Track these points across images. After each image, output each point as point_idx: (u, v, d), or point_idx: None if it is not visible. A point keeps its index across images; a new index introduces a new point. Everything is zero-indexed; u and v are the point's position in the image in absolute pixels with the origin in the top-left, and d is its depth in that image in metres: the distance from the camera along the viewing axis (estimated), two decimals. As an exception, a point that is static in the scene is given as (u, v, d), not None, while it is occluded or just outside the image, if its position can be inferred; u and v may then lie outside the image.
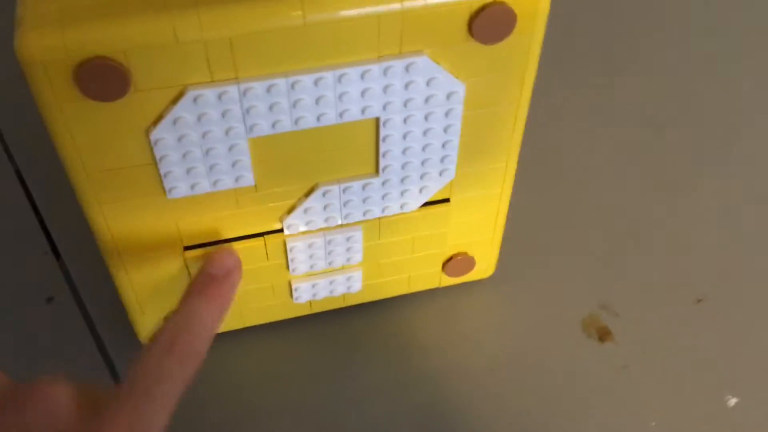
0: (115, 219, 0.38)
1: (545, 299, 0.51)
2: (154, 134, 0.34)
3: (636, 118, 0.62)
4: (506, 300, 0.51)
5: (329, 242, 0.42)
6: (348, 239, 0.43)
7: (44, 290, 0.51)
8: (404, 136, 0.38)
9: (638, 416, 0.46)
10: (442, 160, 0.40)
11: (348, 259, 0.44)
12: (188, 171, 0.36)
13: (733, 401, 0.46)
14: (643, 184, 0.58)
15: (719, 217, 0.56)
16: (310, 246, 0.42)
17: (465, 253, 0.48)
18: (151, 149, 0.35)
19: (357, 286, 0.46)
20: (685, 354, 0.48)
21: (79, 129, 0.33)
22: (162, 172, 0.36)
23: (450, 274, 0.49)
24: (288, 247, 0.42)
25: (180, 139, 0.35)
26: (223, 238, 0.41)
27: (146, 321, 0.45)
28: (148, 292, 0.43)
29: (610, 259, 0.53)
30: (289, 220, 0.41)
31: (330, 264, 0.44)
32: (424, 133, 0.38)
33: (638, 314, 0.50)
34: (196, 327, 0.33)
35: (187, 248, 0.41)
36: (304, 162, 0.38)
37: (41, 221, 0.54)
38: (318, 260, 0.43)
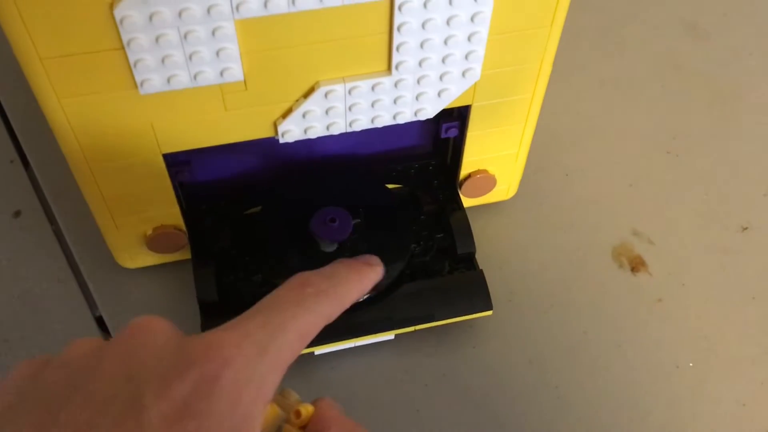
0: (78, 117, 0.32)
1: (572, 225, 0.46)
2: (119, 9, 0.28)
3: (675, 25, 0.56)
4: (528, 225, 0.46)
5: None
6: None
7: (11, 203, 0.45)
8: (423, 25, 0.32)
9: (673, 356, 0.41)
10: (467, 56, 0.34)
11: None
12: (163, 60, 0.30)
13: (779, 341, 0.41)
14: (683, 98, 0.52)
15: (768, 137, 0.50)
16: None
17: (485, 171, 0.43)
18: (117, 30, 0.29)
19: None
20: (727, 288, 0.43)
21: (28, 1, 0.27)
22: (131, 59, 0.30)
23: (467, 195, 0.44)
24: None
25: (151, 17, 0.28)
26: (207, 144, 0.35)
27: (121, 238, 0.39)
28: (122, 206, 0.37)
29: (645, 181, 0.48)
30: (285, 125, 0.35)
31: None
32: (447, 22, 0.32)
33: (675, 243, 0.45)
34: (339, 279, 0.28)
35: (166, 156, 0.35)
36: (302, 55, 0.32)
37: (7, 125, 0.48)
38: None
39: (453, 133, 0.40)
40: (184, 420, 0.21)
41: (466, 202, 0.44)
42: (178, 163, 0.38)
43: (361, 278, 0.30)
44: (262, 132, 0.35)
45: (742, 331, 0.42)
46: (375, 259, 0.31)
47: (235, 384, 0.22)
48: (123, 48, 0.29)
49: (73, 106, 0.31)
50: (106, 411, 0.21)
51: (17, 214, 0.45)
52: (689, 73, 0.53)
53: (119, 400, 0.22)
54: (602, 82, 0.53)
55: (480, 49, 0.34)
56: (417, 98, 0.35)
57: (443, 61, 0.34)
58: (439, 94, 0.36)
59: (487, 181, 0.43)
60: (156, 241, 0.40)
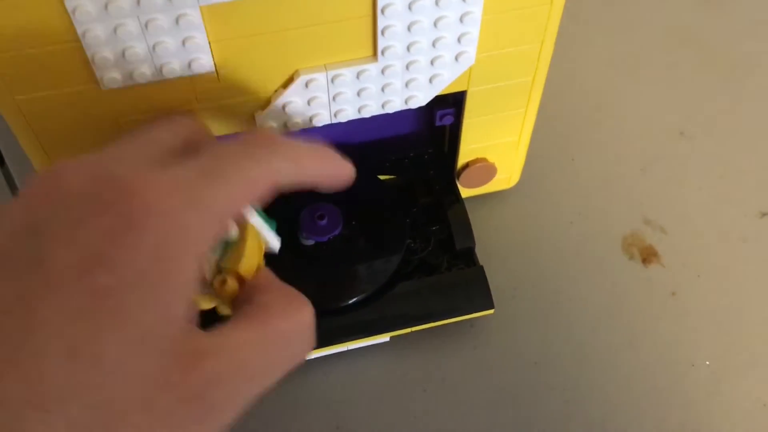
0: (37, 117, 0.29)
1: (579, 214, 0.43)
2: (69, -1, 0.25)
3: (690, -5, 0.52)
4: (532, 215, 0.43)
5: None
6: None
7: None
8: (410, 6, 0.29)
9: (689, 354, 0.38)
10: (460, 39, 0.31)
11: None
12: (123, 53, 0.27)
13: (802, 336, 0.39)
14: (697, 76, 0.49)
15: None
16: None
17: (485, 160, 0.40)
18: (71, 21, 0.26)
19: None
20: (746, 279, 0.41)
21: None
22: (88, 53, 0.27)
23: (466, 185, 0.41)
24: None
25: (106, 6, 0.26)
26: (181, 141, 0.32)
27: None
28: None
29: (656, 165, 0.45)
30: (264, 118, 0.32)
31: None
32: (437, 2, 0.29)
33: (690, 231, 0.42)
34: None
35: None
36: (278, 42, 0.29)
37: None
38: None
39: (448, 120, 0.37)
40: (95, 271, 0.18)
41: (465, 192, 0.41)
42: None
43: (324, 156, 0.26)
44: (239, 126, 0.33)
45: (763, 325, 0.39)
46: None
47: (159, 232, 0.19)
48: (79, 40, 0.27)
49: (30, 105, 0.29)
50: (6, 267, 0.19)
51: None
52: (702, 48, 0.50)
53: (22, 254, 0.19)
54: (608, 61, 0.49)
55: (474, 31, 0.31)
56: (407, 85, 0.33)
57: (433, 44, 0.31)
58: (430, 81, 0.33)
59: (487, 170, 0.40)
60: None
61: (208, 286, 0.25)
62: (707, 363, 0.38)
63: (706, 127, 0.46)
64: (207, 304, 0.25)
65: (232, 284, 0.24)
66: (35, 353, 0.18)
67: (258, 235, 0.26)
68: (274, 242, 0.27)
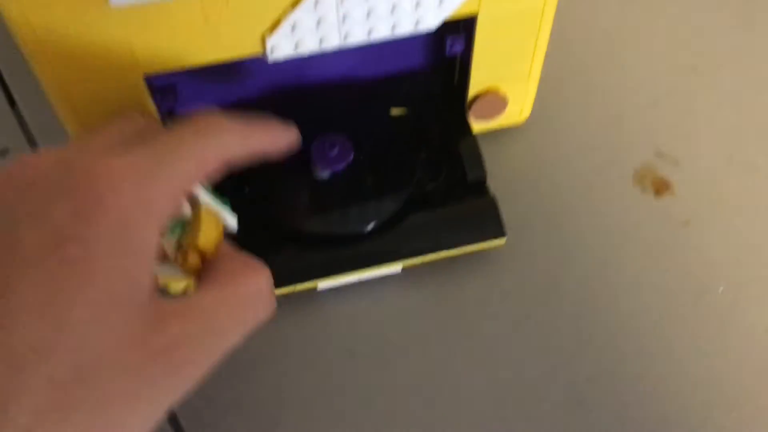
0: (45, 33, 0.29)
1: (589, 147, 0.43)
2: None
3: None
4: (543, 149, 0.43)
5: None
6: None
7: (-2, 142, 0.43)
8: None
9: (703, 281, 0.38)
10: (469, -45, 0.31)
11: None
12: (132, -35, 0.27)
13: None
14: (710, 7, 0.48)
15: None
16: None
17: (495, 91, 0.40)
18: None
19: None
20: (760, 207, 0.40)
21: None
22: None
23: (476, 117, 0.41)
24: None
25: None
26: (191, 63, 0.32)
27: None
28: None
29: (669, 100, 0.44)
30: (274, 39, 0.32)
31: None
32: None
33: (702, 162, 0.42)
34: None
35: (148, 77, 0.33)
36: (287, -43, 0.29)
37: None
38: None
39: (458, 48, 0.37)
40: (66, 245, 0.20)
41: (476, 126, 0.41)
42: (162, 88, 0.35)
43: (266, 127, 0.28)
44: (249, 48, 0.32)
45: (776, 253, 0.39)
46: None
47: (120, 208, 0.21)
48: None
49: (37, 15, 0.29)
50: None
51: (4, 152, 0.43)
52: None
53: None
54: (621, -3, 0.49)
55: (484, -56, 0.31)
56: (416, 6, 0.32)
57: (443, -41, 0.31)
58: (440, 1, 0.33)
59: (498, 102, 0.40)
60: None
61: (173, 266, 0.26)
62: (720, 290, 0.38)
63: (719, 63, 0.46)
64: (177, 285, 0.26)
65: (193, 257, 0.26)
66: (8, 315, 0.19)
67: (212, 211, 0.28)
68: (230, 220, 0.29)
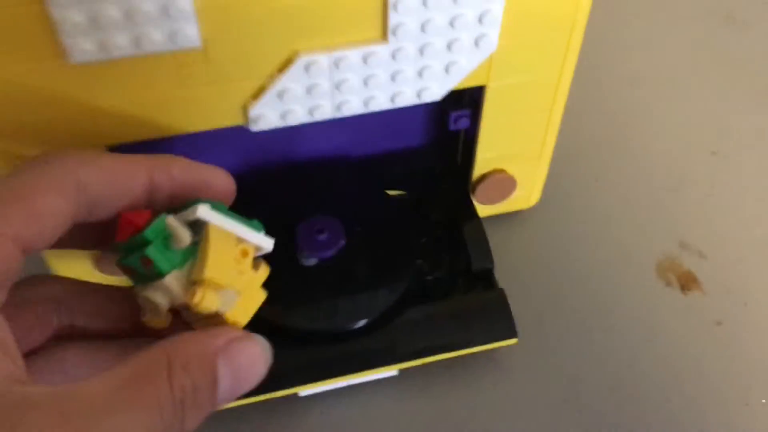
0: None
1: (607, 237, 0.39)
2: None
3: (714, 12, 0.50)
4: (555, 238, 0.39)
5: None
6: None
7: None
8: (426, -25, 0.25)
9: (741, 391, 0.33)
10: (481, 19, 0.27)
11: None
12: (93, 19, 0.24)
13: None
14: (728, 90, 0.45)
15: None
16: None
17: (503, 171, 0.36)
18: (31, -25, 0.22)
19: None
20: (798, 307, 0.36)
21: None
22: (54, 17, 0.23)
23: (482, 200, 0.37)
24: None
25: (74, -44, 0.22)
26: (162, 134, 0.28)
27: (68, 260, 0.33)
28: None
29: (688, 186, 0.41)
30: (257, 108, 0.28)
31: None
32: (456, -29, 0.26)
33: (731, 255, 0.38)
34: None
35: (110, 149, 0.28)
36: (276, 15, 0.26)
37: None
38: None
39: (464, 123, 0.34)
40: None
41: (481, 211, 0.37)
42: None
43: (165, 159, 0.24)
44: (229, 118, 0.29)
45: (822, 359, 0.34)
46: None
47: None
48: (42, 1, 0.23)
49: (-15, 82, 0.25)
50: None
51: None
52: (730, 66, 0.47)
53: None
54: (633, 78, 0.46)
55: (497, 8, 0.27)
56: (420, 74, 0.29)
57: (451, 24, 0.27)
58: (446, 69, 0.29)
59: (506, 184, 0.36)
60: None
61: (187, 311, 0.22)
62: (763, 401, 0.33)
63: (739, 146, 0.43)
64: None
65: (200, 295, 0.22)
66: None
67: (226, 237, 0.23)
68: (263, 241, 0.24)
